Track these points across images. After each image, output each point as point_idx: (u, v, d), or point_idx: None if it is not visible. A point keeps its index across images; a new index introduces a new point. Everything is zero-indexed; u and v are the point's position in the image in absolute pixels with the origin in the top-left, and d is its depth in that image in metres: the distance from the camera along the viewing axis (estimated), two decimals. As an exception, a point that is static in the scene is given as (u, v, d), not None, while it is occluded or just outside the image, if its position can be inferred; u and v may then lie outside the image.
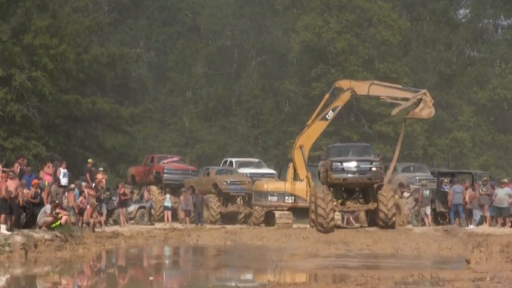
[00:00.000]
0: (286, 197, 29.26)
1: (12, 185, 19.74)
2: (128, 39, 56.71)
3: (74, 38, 37.87)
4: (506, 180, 28.33)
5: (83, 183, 26.74)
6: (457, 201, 28.20)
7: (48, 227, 20.92)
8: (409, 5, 57.14)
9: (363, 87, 29.26)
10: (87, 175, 28.28)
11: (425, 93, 28.13)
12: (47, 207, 21.33)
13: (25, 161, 25.06)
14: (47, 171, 25.29)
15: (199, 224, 30.45)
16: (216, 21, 57.72)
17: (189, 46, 55.37)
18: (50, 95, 33.41)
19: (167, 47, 57.84)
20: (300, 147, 29.08)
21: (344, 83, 29.87)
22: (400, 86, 29.28)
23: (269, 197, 29.39)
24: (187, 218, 31.34)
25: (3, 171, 20.71)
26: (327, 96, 30.16)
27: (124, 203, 28.69)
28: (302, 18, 50.48)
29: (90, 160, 31.04)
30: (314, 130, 29.55)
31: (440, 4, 55.01)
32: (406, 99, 28.33)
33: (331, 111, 29.20)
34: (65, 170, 26.25)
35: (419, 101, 28.09)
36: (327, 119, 29.36)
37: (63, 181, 25.70)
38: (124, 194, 28.76)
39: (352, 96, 30.27)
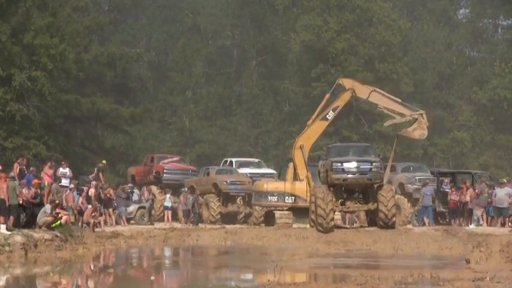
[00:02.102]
0: (286, 197, 29.26)
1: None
2: (128, 39, 56.72)
3: (74, 38, 37.85)
4: (505, 180, 28.36)
5: (93, 182, 26.84)
6: (427, 204, 28.44)
7: (48, 227, 20.93)
8: (409, 5, 57.15)
9: (363, 91, 29.26)
10: (101, 174, 28.70)
11: (422, 114, 28.20)
12: (47, 207, 21.33)
13: (24, 160, 25.10)
14: (47, 172, 25.32)
15: (197, 224, 30.47)
16: (216, 21, 57.75)
17: (189, 46, 55.39)
18: (49, 95, 33.42)
19: (167, 46, 57.84)
20: (300, 148, 29.07)
21: (347, 82, 29.85)
22: (399, 100, 29.18)
23: (269, 197, 29.38)
24: (186, 218, 31.34)
25: (2, 171, 20.76)
26: (327, 96, 30.15)
27: (109, 203, 28.45)
28: (302, 18, 50.47)
29: (104, 161, 31.33)
30: (314, 130, 29.54)
31: (440, 4, 55.04)
32: (402, 115, 28.41)
33: (331, 111, 29.19)
34: (65, 170, 26.28)
35: (415, 120, 28.20)
36: (327, 119, 29.35)
37: (64, 181, 25.73)
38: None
39: (353, 97, 30.21)
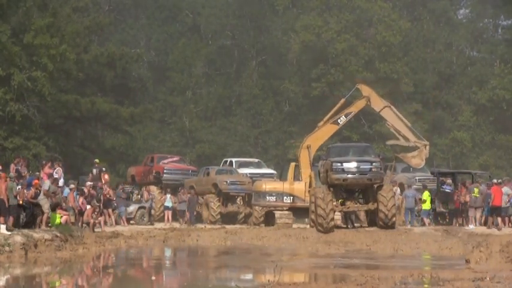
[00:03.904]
0: (285, 197, 29.37)
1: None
2: (128, 39, 56.67)
3: (74, 38, 37.83)
4: (497, 180, 28.55)
5: (88, 183, 26.83)
6: (409, 206, 28.54)
7: (47, 224, 21.03)
8: (409, 5, 57.07)
9: (378, 104, 29.46)
10: (105, 176, 28.84)
11: (425, 145, 28.57)
12: (46, 183, 21.53)
13: (22, 161, 25.11)
14: (47, 172, 25.32)
15: (193, 224, 30.47)
16: (216, 21, 57.71)
17: (189, 46, 55.36)
18: (49, 95, 33.43)
19: (167, 46, 57.80)
20: (307, 147, 29.15)
21: (365, 89, 29.94)
22: (409, 124, 29.51)
23: (267, 197, 29.53)
24: (182, 218, 31.28)
25: (1, 171, 20.81)
26: (342, 100, 30.33)
27: (108, 204, 28.43)
28: (302, 18, 50.46)
29: (97, 160, 31.33)
30: (324, 132, 29.69)
31: (440, 4, 54.97)
32: (407, 140, 28.67)
33: (343, 117, 29.38)
34: (51, 171, 26.07)
35: (417, 147, 28.51)
36: (338, 123, 29.56)
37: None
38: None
39: (367, 105, 30.12)
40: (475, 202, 27.38)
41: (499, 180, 28.32)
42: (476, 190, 27.54)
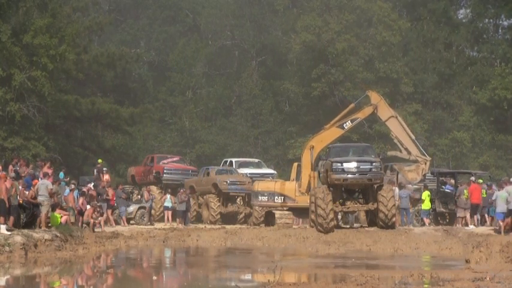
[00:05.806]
0: (276, 197, 29.49)
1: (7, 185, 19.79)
2: (128, 39, 56.67)
3: (74, 38, 37.87)
4: (481, 180, 28.68)
5: (88, 185, 26.86)
6: (404, 206, 28.61)
7: (47, 225, 21.01)
8: (409, 5, 57.05)
9: (385, 113, 29.45)
10: (102, 175, 28.79)
11: (426, 161, 28.56)
12: (48, 183, 21.49)
13: (20, 162, 25.10)
14: (45, 172, 25.29)
15: (185, 224, 30.49)
16: (216, 21, 57.73)
17: (189, 46, 55.35)
18: (49, 95, 33.44)
19: (167, 46, 57.81)
20: (310, 148, 29.19)
21: (374, 96, 29.95)
22: (413, 137, 29.50)
23: (259, 197, 29.68)
24: (180, 218, 31.31)
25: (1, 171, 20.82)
26: (351, 106, 30.39)
27: (109, 204, 28.49)
28: (302, 18, 50.44)
29: (100, 160, 31.38)
30: (328, 135, 29.75)
31: (440, 4, 54.92)
32: (409, 152, 28.73)
33: (349, 122, 29.46)
34: (50, 171, 26.04)
35: (417, 161, 28.46)
36: (343, 128, 29.62)
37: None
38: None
39: (373, 113, 30.09)
40: (465, 204, 27.45)
41: (480, 180, 28.60)
42: (466, 192, 27.60)
